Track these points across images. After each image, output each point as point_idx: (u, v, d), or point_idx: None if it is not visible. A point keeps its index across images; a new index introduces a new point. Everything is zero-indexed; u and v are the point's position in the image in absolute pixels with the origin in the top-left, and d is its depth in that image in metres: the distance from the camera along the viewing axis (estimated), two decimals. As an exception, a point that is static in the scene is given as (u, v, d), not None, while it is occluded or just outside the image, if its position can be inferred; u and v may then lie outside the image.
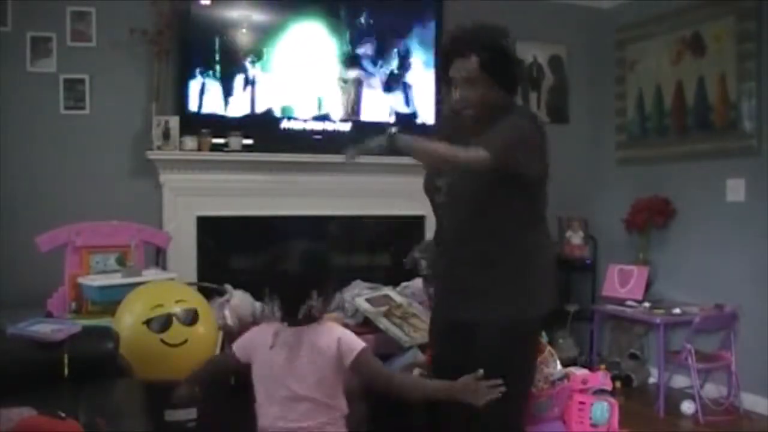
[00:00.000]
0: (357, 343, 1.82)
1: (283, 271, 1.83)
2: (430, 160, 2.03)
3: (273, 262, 1.87)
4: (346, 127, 3.79)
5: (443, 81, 2.11)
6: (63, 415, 1.64)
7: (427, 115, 4.01)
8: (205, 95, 3.54)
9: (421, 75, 4.00)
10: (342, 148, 2.01)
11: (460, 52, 1.99)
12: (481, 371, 1.74)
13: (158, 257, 3.39)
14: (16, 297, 2.90)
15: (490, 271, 2.01)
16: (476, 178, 1.96)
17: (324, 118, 3.77)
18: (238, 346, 1.92)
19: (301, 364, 1.77)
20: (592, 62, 4.67)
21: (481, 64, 1.96)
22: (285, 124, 3.69)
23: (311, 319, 1.81)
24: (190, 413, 2.31)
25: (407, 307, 3.11)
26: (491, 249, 2.01)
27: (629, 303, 3.87)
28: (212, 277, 3.22)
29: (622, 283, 4.01)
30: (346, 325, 2.70)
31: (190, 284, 3.06)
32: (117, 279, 2.67)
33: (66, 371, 1.90)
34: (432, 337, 2.28)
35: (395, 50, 3.93)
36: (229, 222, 3.69)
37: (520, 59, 2.27)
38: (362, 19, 3.85)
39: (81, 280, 2.70)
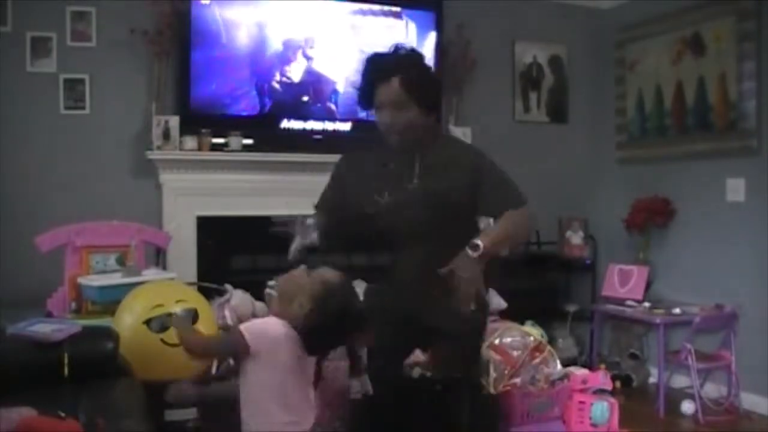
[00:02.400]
0: None
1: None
2: (514, 245, 2.12)
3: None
4: (346, 126, 3.80)
5: (364, 106, 2.15)
6: (63, 415, 1.64)
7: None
8: (205, 95, 3.54)
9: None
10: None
11: (382, 76, 2.03)
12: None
13: (158, 257, 3.39)
14: (16, 297, 2.90)
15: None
16: (440, 212, 2.04)
17: (324, 118, 3.77)
18: None
19: None
20: (592, 62, 4.66)
21: (402, 84, 2.00)
22: (285, 124, 3.68)
23: None
24: (190, 413, 2.31)
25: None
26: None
27: (629, 303, 3.86)
28: (212, 277, 3.21)
29: (622, 283, 4.00)
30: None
31: (190, 284, 3.06)
32: (117, 279, 2.67)
33: (66, 371, 1.91)
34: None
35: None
36: (229, 222, 3.68)
37: (439, 80, 2.24)
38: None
39: (81, 280, 2.71)
